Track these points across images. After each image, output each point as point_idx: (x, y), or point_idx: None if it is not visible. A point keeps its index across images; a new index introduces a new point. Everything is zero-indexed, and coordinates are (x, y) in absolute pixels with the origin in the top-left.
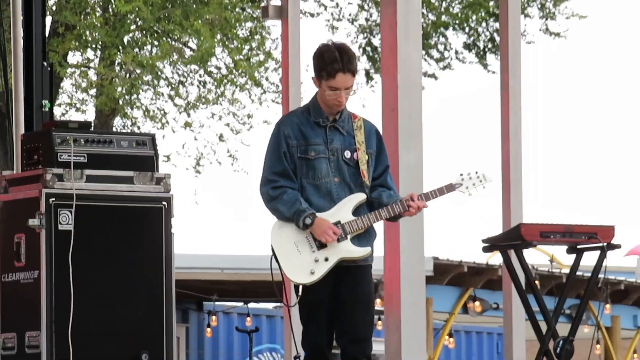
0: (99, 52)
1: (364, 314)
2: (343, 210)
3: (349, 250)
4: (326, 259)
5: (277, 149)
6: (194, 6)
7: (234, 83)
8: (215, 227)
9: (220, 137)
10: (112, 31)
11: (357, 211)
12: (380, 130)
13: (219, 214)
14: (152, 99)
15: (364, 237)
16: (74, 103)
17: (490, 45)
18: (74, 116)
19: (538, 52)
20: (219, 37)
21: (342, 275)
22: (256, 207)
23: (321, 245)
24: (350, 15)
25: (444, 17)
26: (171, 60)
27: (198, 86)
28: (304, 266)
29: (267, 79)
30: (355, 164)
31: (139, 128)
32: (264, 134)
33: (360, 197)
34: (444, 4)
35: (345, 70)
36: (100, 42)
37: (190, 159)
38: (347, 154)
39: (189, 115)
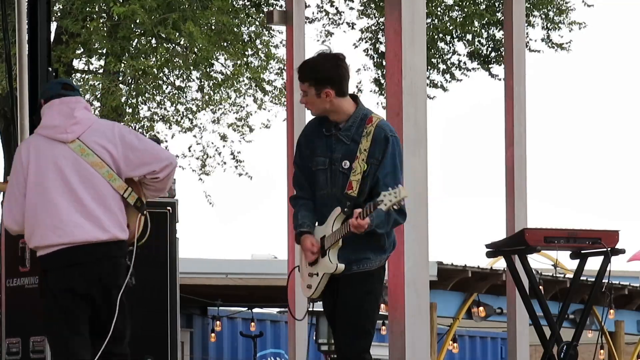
0: (102, 61)
1: (343, 322)
2: (329, 224)
3: (326, 265)
4: (317, 274)
5: (294, 158)
6: (196, 10)
7: (233, 88)
8: (217, 231)
9: (224, 138)
10: (113, 40)
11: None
12: None
13: (224, 217)
14: (153, 106)
15: (347, 249)
16: None
17: (494, 54)
18: None
19: (541, 60)
20: (218, 41)
21: (338, 286)
22: (261, 210)
23: (315, 261)
24: (351, 21)
25: (449, 26)
26: (170, 66)
27: (197, 90)
28: (305, 280)
29: (269, 82)
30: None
31: (147, 130)
32: (265, 136)
33: (335, 212)
34: (444, 15)
35: (298, 76)
36: (102, 50)
37: (196, 162)
38: (346, 163)
39: (190, 121)
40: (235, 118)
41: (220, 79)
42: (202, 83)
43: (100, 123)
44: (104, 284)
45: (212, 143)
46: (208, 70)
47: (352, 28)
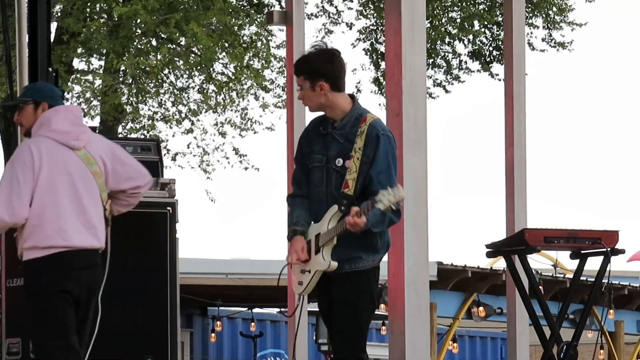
0: (102, 62)
1: (339, 321)
2: (325, 222)
3: (319, 263)
4: (309, 271)
5: (295, 155)
6: (197, 10)
7: (235, 90)
8: (217, 231)
9: (223, 135)
10: (115, 39)
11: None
12: None
13: (224, 217)
14: (154, 106)
15: (340, 248)
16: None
17: (495, 54)
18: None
19: (542, 60)
20: (220, 42)
21: (333, 285)
22: (262, 209)
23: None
24: (350, 21)
25: (448, 27)
26: (172, 66)
27: (199, 91)
28: (297, 277)
29: (272, 81)
30: (345, 172)
31: (147, 130)
32: (267, 137)
33: (332, 210)
34: (445, 16)
35: (294, 71)
36: (103, 49)
37: (196, 160)
38: (339, 162)
39: (191, 122)
40: (239, 120)
41: (222, 81)
42: (204, 85)
43: (94, 135)
44: (89, 289)
45: (213, 140)
46: (210, 71)
47: (350, 29)
